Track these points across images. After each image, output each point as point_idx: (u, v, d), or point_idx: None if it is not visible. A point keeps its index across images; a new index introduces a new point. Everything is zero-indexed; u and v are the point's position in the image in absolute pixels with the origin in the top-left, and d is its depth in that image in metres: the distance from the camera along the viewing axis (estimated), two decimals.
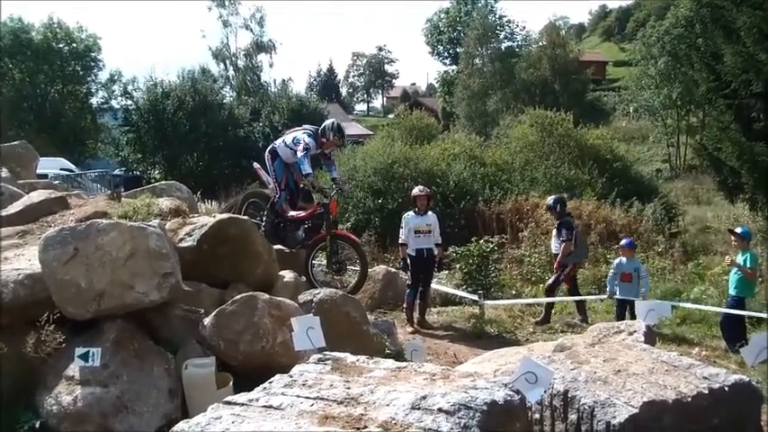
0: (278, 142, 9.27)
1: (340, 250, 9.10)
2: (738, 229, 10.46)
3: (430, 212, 11.14)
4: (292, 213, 9.12)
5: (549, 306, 11.70)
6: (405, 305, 11.10)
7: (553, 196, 12.70)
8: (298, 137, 8.84)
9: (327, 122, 9.21)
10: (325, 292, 7.35)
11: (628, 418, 3.71)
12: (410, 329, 10.68)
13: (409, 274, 11.10)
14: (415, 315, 10.96)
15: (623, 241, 11.59)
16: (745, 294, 10.05)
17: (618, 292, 10.90)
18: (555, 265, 11.82)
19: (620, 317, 10.34)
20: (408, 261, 11.00)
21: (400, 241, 11.11)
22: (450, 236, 15.50)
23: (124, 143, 40.35)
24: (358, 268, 9.34)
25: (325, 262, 9.47)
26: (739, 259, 9.93)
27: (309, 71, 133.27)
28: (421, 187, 11.48)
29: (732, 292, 10.08)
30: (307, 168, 8.56)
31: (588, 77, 59.14)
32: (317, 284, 8.56)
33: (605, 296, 11.68)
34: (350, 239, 9.41)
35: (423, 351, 6.99)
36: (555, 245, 11.86)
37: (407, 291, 11.08)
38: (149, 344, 5.83)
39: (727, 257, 10.66)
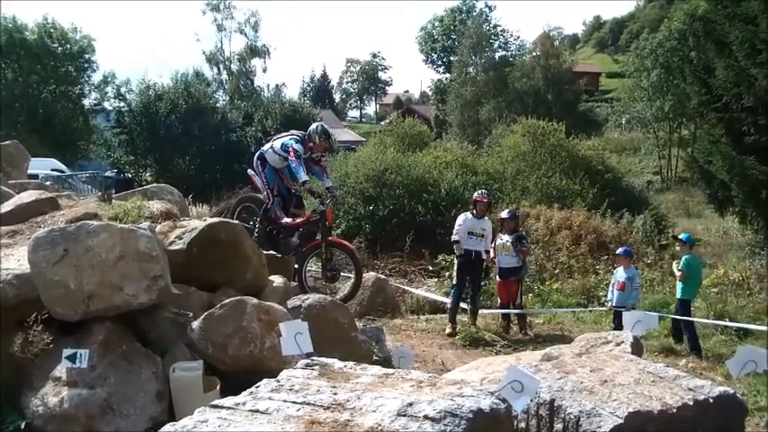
0: (266, 148, 9.24)
1: (333, 257, 9.12)
2: (681, 236, 11.56)
3: (486, 218, 11.43)
4: (287, 220, 9.10)
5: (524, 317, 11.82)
6: (448, 305, 11.41)
7: (510, 209, 13.01)
8: (286, 143, 8.81)
9: (312, 126, 9.21)
10: (313, 297, 7.36)
11: (613, 428, 3.72)
12: (449, 330, 10.98)
13: (455, 274, 11.41)
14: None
15: (619, 250, 11.63)
16: (687, 296, 10.83)
17: (614, 301, 10.98)
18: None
19: (618, 326, 10.26)
20: (455, 261, 11.41)
21: (454, 238, 11.31)
22: (441, 244, 15.53)
23: (116, 145, 40.22)
24: (351, 275, 9.35)
25: (314, 268, 9.45)
26: (681, 264, 10.75)
27: (303, 77, 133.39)
28: (483, 192, 11.81)
29: (677, 295, 10.92)
30: (303, 176, 8.54)
31: (581, 88, 59.48)
32: (309, 291, 8.57)
33: (606, 307, 11.75)
34: (345, 247, 9.42)
35: (410, 358, 6.99)
36: (505, 257, 11.59)
37: (452, 291, 11.41)
38: (137, 346, 5.81)
39: (674, 263, 11.52)
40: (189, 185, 23.84)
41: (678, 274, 10.75)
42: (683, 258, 10.84)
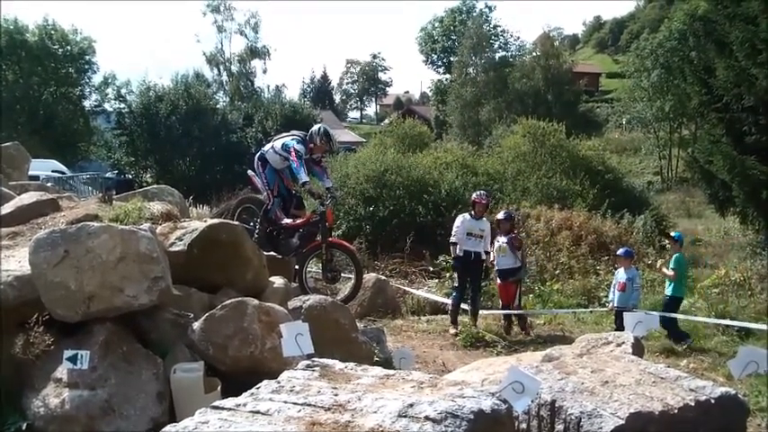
0: (266, 148, 9.25)
1: (334, 258, 9.12)
2: (673, 234, 11.90)
3: (485, 218, 11.47)
4: (287, 221, 9.10)
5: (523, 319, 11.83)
6: (449, 307, 11.52)
7: (506, 210, 13.18)
8: (287, 143, 8.81)
9: (314, 128, 9.23)
10: (314, 298, 7.35)
11: (614, 428, 3.71)
12: (453, 331, 11.00)
13: (455, 276, 11.51)
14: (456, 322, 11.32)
15: (619, 251, 11.63)
16: (677, 293, 11.03)
17: (615, 302, 10.98)
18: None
19: (619, 327, 10.27)
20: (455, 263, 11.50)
21: (452, 240, 11.37)
22: (441, 245, 15.51)
23: (116, 146, 40.23)
24: (351, 276, 9.34)
25: (314, 269, 9.42)
26: (672, 263, 10.98)
27: (303, 78, 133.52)
28: (482, 193, 11.90)
29: (667, 292, 11.13)
30: (303, 177, 8.54)
31: (581, 88, 59.42)
32: (310, 292, 8.57)
33: (607, 307, 11.80)
34: (345, 248, 9.42)
35: (411, 359, 6.99)
36: (503, 259, 11.65)
37: (453, 294, 11.49)
38: (138, 347, 5.81)
39: (659, 261, 12.02)
40: (189, 186, 23.84)
41: (670, 273, 10.89)
42: (674, 257, 11.03)
